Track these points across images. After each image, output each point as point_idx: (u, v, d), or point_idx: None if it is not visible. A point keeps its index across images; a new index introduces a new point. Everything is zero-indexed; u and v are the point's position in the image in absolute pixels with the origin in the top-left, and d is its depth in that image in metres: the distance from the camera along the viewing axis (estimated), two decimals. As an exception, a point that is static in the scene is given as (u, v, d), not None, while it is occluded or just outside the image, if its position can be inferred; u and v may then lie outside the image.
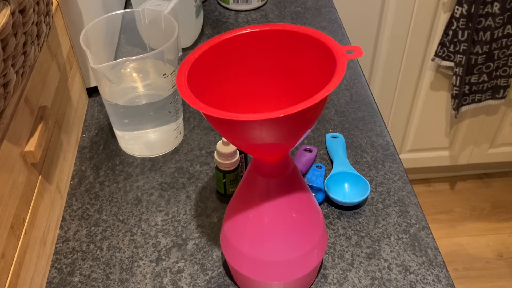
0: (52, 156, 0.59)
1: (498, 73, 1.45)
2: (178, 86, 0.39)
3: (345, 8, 1.36)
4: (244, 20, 0.98)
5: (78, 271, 0.56)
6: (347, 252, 0.57)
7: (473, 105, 1.52)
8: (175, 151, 0.70)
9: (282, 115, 0.35)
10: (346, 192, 0.63)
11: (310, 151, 0.68)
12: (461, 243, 1.68)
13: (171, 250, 0.58)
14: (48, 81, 0.60)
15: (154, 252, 0.58)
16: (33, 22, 0.48)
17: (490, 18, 1.32)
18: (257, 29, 0.44)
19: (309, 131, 0.41)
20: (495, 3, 1.29)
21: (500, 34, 1.35)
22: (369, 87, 0.81)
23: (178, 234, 0.59)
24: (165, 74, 0.62)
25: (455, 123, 1.65)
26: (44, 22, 0.53)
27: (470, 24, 1.32)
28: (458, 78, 1.43)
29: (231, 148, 0.58)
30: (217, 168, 0.60)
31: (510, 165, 1.89)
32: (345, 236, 0.59)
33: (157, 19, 0.65)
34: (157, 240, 0.59)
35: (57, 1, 0.67)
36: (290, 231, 0.47)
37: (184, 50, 0.89)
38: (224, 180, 0.60)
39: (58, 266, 0.57)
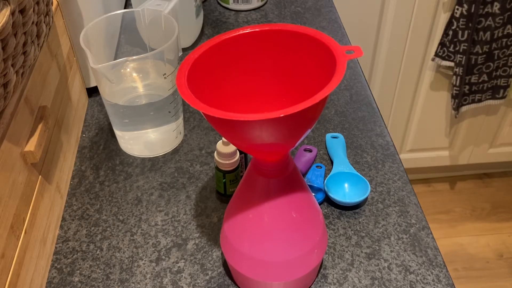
0: (52, 156, 0.59)
1: (498, 73, 1.45)
2: (178, 86, 0.39)
3: (345, 8, 1.36)
4: (244, 20, 0.98)
5: (78, 271, 0.56)
6: (347, 252, 0.57)
7: (473, 105, 1.52)
8: (175, 151, 0.70)
9: (282, 115, 0.35)
10: (346, 192, 0.63)
11: (310, 151, 0.68)
12: (461, 243, 1.68)
13: (171, 250, 0.58)
14: (48, 81, 0.60)
15: (154, 252, 0.58)
16: (33, 22, 0.48)
17: (490, 18, 1.32)
18: (257, 29, 0.44)
19: (309, 131, 0.41)
20: (495, 3, 1.29)
21: (500, 34, 1.35)
22: (369, 87, 0.81)
23: (178, 234, 0.59)
24: (165, 74, 0.62)
25: (455, 123, 1.65)
26: (44, 22, 0.53)
27: (470, 24, 1.32)
28: (458, 78, 1.43)
29: (231, 148, 0.58)
30: (217, 168, 0.60)
31: (510, 165, 1.89)
32: (345, 236, 0.59)
33: (157, 19, 0.65)
34: (157, 240, 0.59)
35: (57, 1, 0.67)
36: (290, 231, 0.47)
37: (184, 50, 0.89)
38: (224, 180, 0.60)
39: (58, 266, 0.57)
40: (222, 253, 0.57)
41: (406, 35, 1.43)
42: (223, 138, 0.57)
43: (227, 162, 0.58)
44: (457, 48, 1.38)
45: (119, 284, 0.55)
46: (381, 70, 1.51)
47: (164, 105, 0.65)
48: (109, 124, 0.74)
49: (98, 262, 0.57)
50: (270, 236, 0.47)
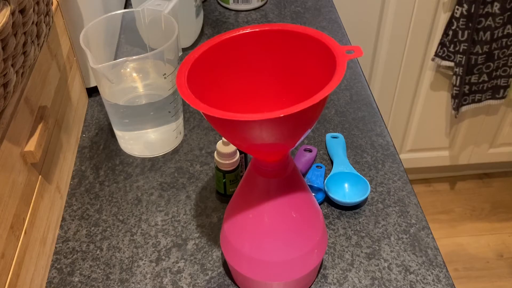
0: (52, 156, 0.59)
1: (498, 73, 1.45)
2: (178, 86, 0.39)
3: (345, 8, 1.36)
4: (244, 20, 0.98)
5: (78, 271, 0.56)
6: (347, 252, 0.57)
7: (473, 105, 1.52)
8: (175, 151, 0.70)
9: (282, 115, 0.35)
10: (346, 192, 0.63)
11: (310, 151, 0.68)
12: (461, 243, 1.68)
13: (171, 250, 0.58)
14: (48, 81, 0.60)
15: (154, 252, 0.58)
16: (33, 22, 0.48)
17: (490, 18, 1.32)
18: (257, 29, 0.44)
19: (309, 131, 0.41)
20: (495, 3, 1.29)
21: (500, 34, 1.35)
22: (369, 87, 0.81)
23: (178, 234, 0.59)
24: (165, 74, 0.62)
25: (455, 123, 1.65)
26: (44, 22, 0.53)
27: (470, 24, 1.32)
28: (458, 78, 1.43)
29: (231, 148, 0.58)
30: (217, 168, 0.60)
31: (510, 165, 1.89)
32: (345, 236, 0.59)
33: (157, 19, 0.65)
34: (157, 240, 0.59)
35: (57, 1, 0.67)
36: (290, 231, 0.47)
37: (184, 50, 0.89)
38: (224, 180, 0.60)
39: (58, 266, 0.57)
40: (222, 253, 0.57)
41: (406, 35, 1.43)
42: (223, 138, 0.57)
43: (227, 162, 0.58)
44: (457, 48, 1.38)
45: (119, 284, 0.55)
46: (381, 70, 1.51)
47: (164, 105, 0.65)
48: (109, 124, 0.74)
49: (98, 262, 0.57)
50: (270, 236, 0.47)
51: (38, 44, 0.52)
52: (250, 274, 0.49)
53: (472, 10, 1.30)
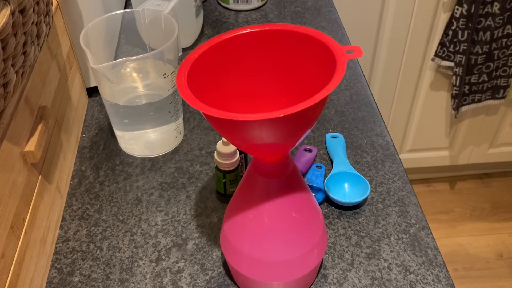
0: (52, 156, 0.59)
1: (498, 73, 1.45)
2: (178, 86, 0.39)
3: (345, 8, 1.36)
4: (244, 20, 0.98)
5: (78, 271, 0.56)
6: (347, 252, 0.57)
7: (473, 105, 1.52)
8: (175, 151, 0.70)
9: (282, 115, 0.35)
10: (346, 192, 0.63)
11: (310, 151, 0.68)
12: (461, 243, 1.68)
13: (171, 250, 0.58)
14: (48, 81, 0.60)
15: (154, 252, 0.58)
16: (33, 22, 0.48)
17: (490, 18, 1.32)
18: (257, 29, 0.44)
19: (309, 131, 0.41)
20: (495, 3, 1.29)
21: (500, 34, 1.35)
22: (369, 87, 0.81)
23: (178, 234, 0.59)
24: (165, 74, 0.62)
25: (455, 123, 1.65)
26: (44, 22, 0.53)
27: (470, 24, 1.32)
28: (458, 78, 1.43)
29: (231, 148, 0.58)
30: (217, 168, 0.60)
31: (510, 165, 1.89)
32: (345, 236, 0.59)
33: (157, 19, 0.65)
34: (157, 240, 0.59)
35: (57, 1, 0.67)
36: (290, 231, 0.47)
37: (184, 50, 0.89)
38: (224, 180, 0.60)
39: (58, 266, 0.57)
40: (222, 253, 0.57)
41: (406, 35, 1.43)
42: (223, 138, 0.57)
43: (227, 162, 0.58)
44: (457, 48, 1.38)
45: (119, 284, 0.55)
46: (381, 70, 1.51)
47: (164, 105, 0.65)
48: (109, 124, 0.74)
49: (98, 262, 0.57)
50: (270, 236, 0.47)
51: (38, 44, 0.52)
52: (250, 274, 0.49)
53: (472, 10, 1.30)
